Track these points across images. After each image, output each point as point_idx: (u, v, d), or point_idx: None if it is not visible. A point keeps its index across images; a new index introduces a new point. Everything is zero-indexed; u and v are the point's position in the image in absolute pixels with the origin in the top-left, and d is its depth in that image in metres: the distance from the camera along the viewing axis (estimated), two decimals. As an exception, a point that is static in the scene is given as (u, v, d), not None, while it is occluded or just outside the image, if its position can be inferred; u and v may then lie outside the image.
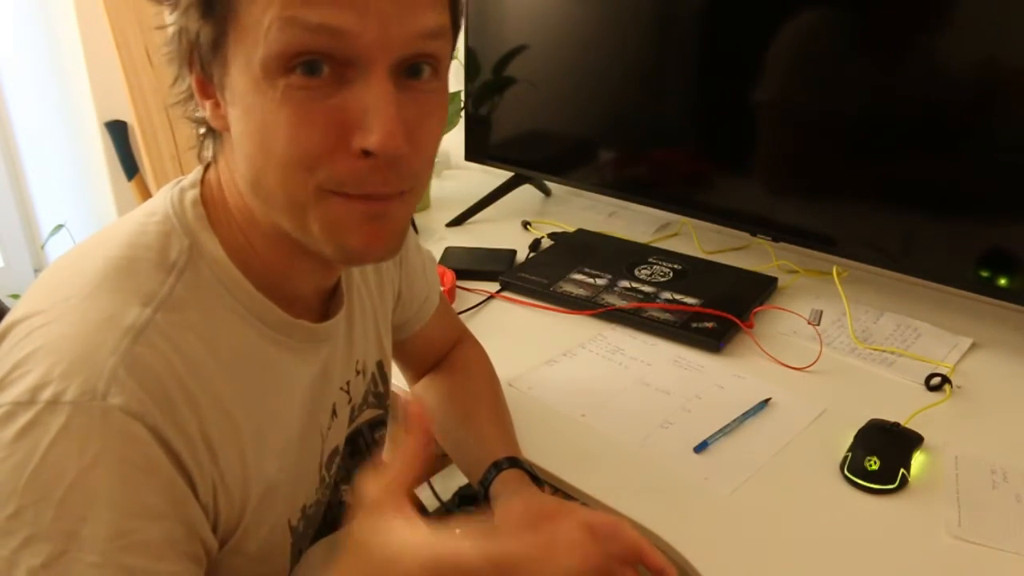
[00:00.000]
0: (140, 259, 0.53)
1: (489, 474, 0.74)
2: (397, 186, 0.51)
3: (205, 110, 0.54)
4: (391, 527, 0.47)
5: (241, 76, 0.49)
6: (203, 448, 0.51)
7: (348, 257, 0.54)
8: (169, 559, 0.48)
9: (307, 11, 0.46)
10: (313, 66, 0.47)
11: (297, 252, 0.56)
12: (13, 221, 2.29)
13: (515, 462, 0.75)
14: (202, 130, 0.58)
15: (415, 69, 0.50)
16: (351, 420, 0.71)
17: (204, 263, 0.55)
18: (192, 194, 0.57)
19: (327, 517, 0.70)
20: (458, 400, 0.85)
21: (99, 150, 2.04)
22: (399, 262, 0.80)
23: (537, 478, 0.76)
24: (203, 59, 0.51)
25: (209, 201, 0.57)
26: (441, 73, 0.53)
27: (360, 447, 0.74)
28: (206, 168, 0.59)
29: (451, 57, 0.55)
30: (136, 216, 0.57)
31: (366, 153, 0.48)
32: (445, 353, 0.91)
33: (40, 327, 0.50)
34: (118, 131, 2.01)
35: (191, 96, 0.55)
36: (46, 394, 0.46)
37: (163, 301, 0.52)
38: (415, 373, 0.91)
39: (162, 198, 0.58)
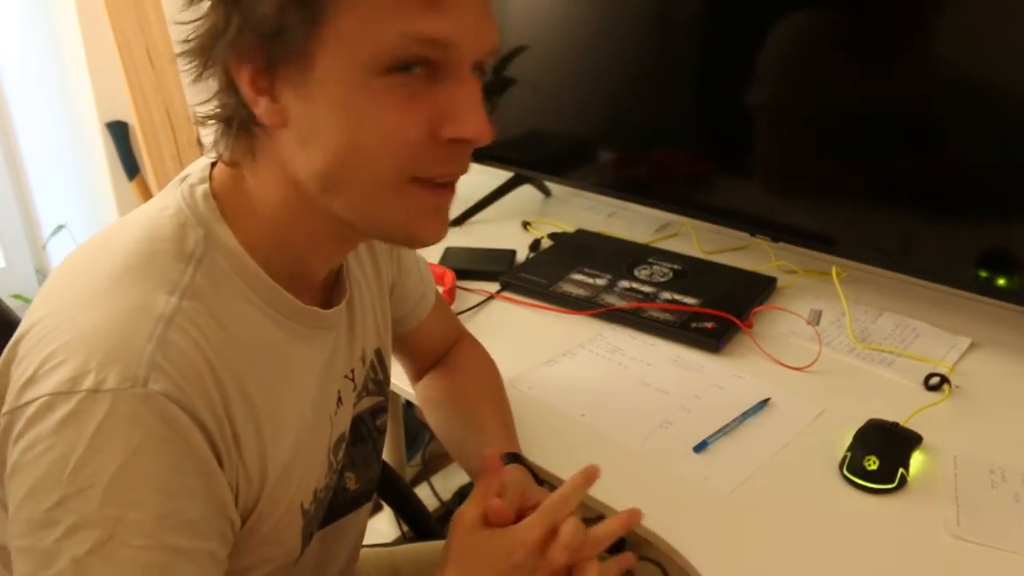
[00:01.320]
0: (159, 250, 0.55)
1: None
2: (465, 168, 0.58)
3: (256, 105, 0.54)
4: (489, 534, 0.61)
5: (334, 73, 0.51)
6: (229, 431, 0.53)
7: (414, 242, 0.59)
8: (207, 537, 0.50)
9: (424, 26, 0.50)
10: (410, 66, 0.52)
11: (332, 241, 0.60)
12: (14, 221, 2.29)
13: (515, 458, 0.76)
14: (223, 126, 0.57)
15: (478, 68, 0.56)
16: (353, 407, 0.72)
17: (219, 253, 0.56)
18: (202, 188, 0.58)
19: (332, 503, 0.70)
20: (460, 398, 0.86)
21: (100, 151, 2.04)
22: (394, 254, 0.81)
23: (537, 476, 0.76)
24: (272, 53, 0.51)
25: (220, 195, 0.58)
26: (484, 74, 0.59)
27: (362, 434, 0.75)
28: (213, 165, 0.60)
29: None
30: (147, 212, 0.58)
31: (452, 142, 0.54)
32: (444, 352, 0.91)
33: (67, 320, 0.50)
34: (119, 132, 2.01)
35: (224, 91, 0.55)
36: (87, 383, 0.47)
37: (186, 289, 0.53)
38: (416, 371, 0.92)
39: (171, 194, 0.59)
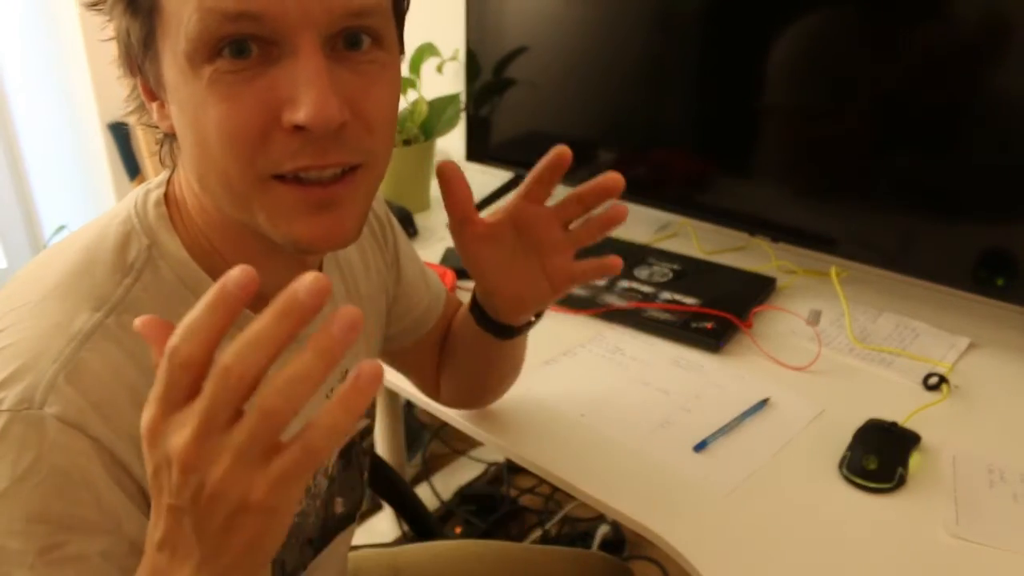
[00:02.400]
0: (97, 262, 0.53)
1: (473, 310, 0.76)
2: (342, 159, 0.49)
3: (152, 113, 0.53)
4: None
5: (171, 69, 0.48)
6: None
7: (298, 247, 0.51)
8: (105, 574, 0.46)
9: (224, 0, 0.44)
10: (240, 47, 0.46)
11: (262, 248, 0.54)
12: (16, 221, 2.29)
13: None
14: (159, 135, 0.56)
15: (353, 40, 0.48)
16: None
17: (164, 263, 0.54)
18: (156, 194, 0.56)
19: (323, 528, 0.69)
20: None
21: (101, 151, 2.04)
22: (391, 266, 0.78)
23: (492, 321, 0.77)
24: (138, 59, 0.51)
25: (172, 201, 0.56)
26: (385, 44, 0.51)
27: (351, 458, 0.73)
28: (173, 169, 0.58)
29: (399, 29, 0.54)
30: (102, 219, 0.57)
31: (299, 128, 0.46)
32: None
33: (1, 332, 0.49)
34: (120, 132, 2.01)
35: (143, 103, 0.55)
36: None
37: (116, 304, 0.51)
38: (430, 380, 0.88)
39: (128, 199, 0.57)
